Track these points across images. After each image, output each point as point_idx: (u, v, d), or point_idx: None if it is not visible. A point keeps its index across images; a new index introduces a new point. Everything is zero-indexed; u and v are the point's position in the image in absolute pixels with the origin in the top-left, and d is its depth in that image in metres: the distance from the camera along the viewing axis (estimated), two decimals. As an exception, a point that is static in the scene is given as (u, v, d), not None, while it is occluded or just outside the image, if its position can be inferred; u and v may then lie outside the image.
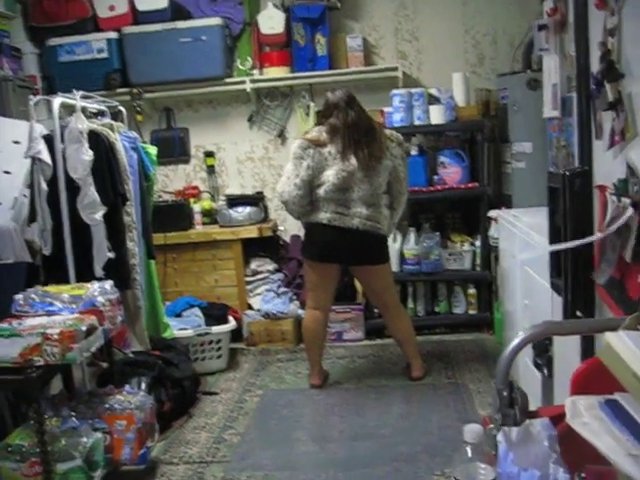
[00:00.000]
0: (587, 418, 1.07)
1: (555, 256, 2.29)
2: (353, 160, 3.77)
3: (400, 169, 3.91)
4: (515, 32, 5.03)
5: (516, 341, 1.26)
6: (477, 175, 4.80)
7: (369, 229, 3.82)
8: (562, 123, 2.23)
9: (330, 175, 3.79)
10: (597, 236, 1.69)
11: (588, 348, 2.00)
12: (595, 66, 1.88)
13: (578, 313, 1.97)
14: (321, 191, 3.82)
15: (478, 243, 4.85)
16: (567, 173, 1.99)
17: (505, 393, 1.20)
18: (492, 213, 4.53)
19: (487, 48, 5.19)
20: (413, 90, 4.75)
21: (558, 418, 1.14)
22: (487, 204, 4.73)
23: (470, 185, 4.77)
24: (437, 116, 4.71)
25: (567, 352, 2.37)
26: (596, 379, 1.18)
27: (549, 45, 2.22)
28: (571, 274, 2.00)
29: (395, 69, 5.01)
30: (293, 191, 3.81)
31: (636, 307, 1.68)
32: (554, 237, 2.29)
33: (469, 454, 1.11)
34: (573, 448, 1.08)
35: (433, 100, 4.76)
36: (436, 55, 5.20)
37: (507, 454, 1.04)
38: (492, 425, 1.20)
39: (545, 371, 2.55)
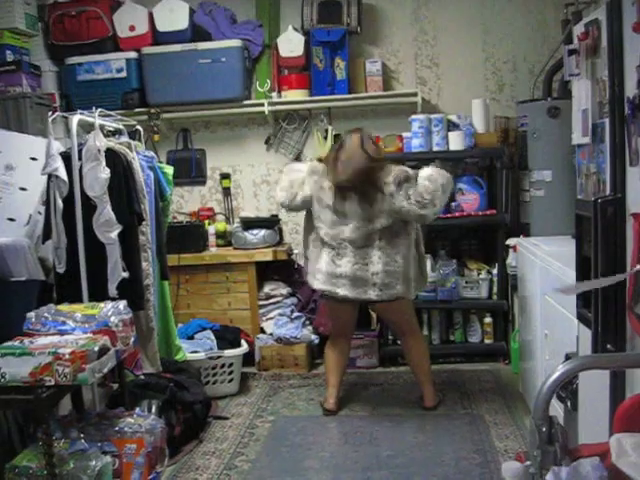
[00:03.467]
0: (635, 458, 1.00)
1: (583, 286, 2.23)
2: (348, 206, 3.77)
3: (403, 206, 3.67)
4: (535, 60, 5.01)
5: (557, 374, 1.19)
6: (495, 202, 4.75)
7: (385, 298, 3.81)
8: (592, 150, 2.17)
9: (327, 219, 3.81)
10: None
11: (619, 383, 1.93)
12: (630, 91, 1.83)
13: (609, 346, 1.90)
14: (322, 233, 3.84)
15: (495, 271, 4.77)
16: (599, 200, 1.93)
17: (544, 429, 1.13)
18: (511, 241, 4.47)
19: (507, 75, 5.16)
20: (432, 116, 4.72)
21: (601, 456, 1.07)
22: (505, 232, 4.68)
23: (488, 212, 4.71)
24: (456, 142, 4.66)
25: (593, 385, 2.29)
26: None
27: (580, 70, 2.17)
28: (602, 305, 1.93)
29: (414, 94, 4.98)
30: (288, 198, 3.93)
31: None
32: (582, 267, 2.23)
33: (507, 493, 1.04)
34: (618, 490, 1.01)
35: (452, 126, 4.73)
36: (456, 81, 5.17)
37: (556, 496, 0.98)
38: (529, 462, 1.14)
39: (569, 404, 2.47)
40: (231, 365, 4.42)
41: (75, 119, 3.48)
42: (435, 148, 4.68)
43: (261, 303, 5.02)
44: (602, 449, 1.09)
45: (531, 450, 1.14)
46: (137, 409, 3.21)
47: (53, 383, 2.60)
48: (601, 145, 2.07)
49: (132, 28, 5.01)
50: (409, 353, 4.11)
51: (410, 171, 3.74)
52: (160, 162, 4.48)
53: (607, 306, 1.93)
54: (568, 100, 4.21)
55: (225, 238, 5.19)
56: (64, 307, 3.10)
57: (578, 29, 2.22)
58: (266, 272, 5.12)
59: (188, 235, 5.01)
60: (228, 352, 4.42)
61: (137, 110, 5.06)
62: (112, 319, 2.98)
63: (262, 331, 4.98)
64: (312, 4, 5.00)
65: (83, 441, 2.84)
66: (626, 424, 1.11)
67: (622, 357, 1.58)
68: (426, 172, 3.77)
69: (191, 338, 4.55)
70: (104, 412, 3.23)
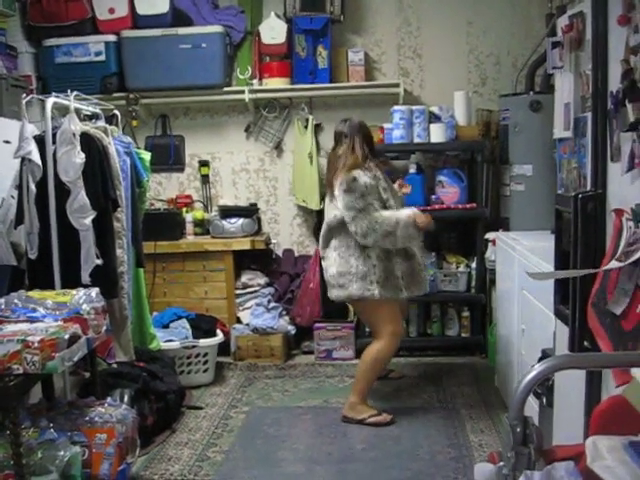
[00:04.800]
0: (610, 461, 0.97)
1: (561, 282, 2.20)
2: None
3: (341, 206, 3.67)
4: (519, 54, 4.99)
5: (533, 373, 1.16)
6: (475, 196, 4.73)
7: (342, 298, 3.83)
8: (574, 144, 2.14)
9: None
10: (613, 265, 1.60)
11: (595, 381, 1.91)
12: (614, 85, 1.81)
13: (586, 343, 1.88)
14: None
15: (474, 265, 4.76)
16: (579, 196, 1.91)
17: (519, 429, 1.10)
18: (490, 235, 4.46)
19: (490, 69, 5.14)
20: (414, 107, 4.68)
21: (576, 459, 1.05)
22: (484, 226, 4.66)
23: (468, 206, 4.69)
24: (437, 135, 4.63)
25: (569, 381, 2.28)
26: (619, 418, 1.08)
27: (563, 63, 2.14)
28: (579, 302, 1.91)
29: (397, 85, 4.94)
30: None
31: (627, 338, 1.61)
32: (560, 262, 2.20)
33: (479, 495, 1.01)
34: (593, 493, 0.98)
35: (434, 118, 4.69)
36: (438, 73, 5.13)
37: (529, 501, 0.95)
38: (503, 463, 1.11)
39: (544, 400, 2.46)
40: (206, 355, 4.38)
41: (50, 102, 3.40)
42: (416, 140, 4.65)
43: (238, 292, 4.98)
44: (577, 451, 1.07)
45: (505, 451, 1.11)
46: (109, 398, 3.15)
47: (21, 371, 2.53)
48: (582, 140, 2.04)
49: (112, 10, 4.91)
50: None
51: (357, 179, 3.59)
52: (138, 148, 4.41)
53: (585, 303, 1.91)
54: (550, 95, 4.20)
55: (203, 226, 5.14)
56: (35, 294, 3.03)
57: (562, 21, 2.19)
58: (243, 261, 5.07)
59: (165, 222, 4.95)
60: (203, 341, 4.38)
61: (116, 95, 4.98)
62: (84, 307, 2.92)
63: (238, 321, 4.94)
64: (295, -9, 4.95)
65: (52, 430, 2.79)
66: (602, 426, 1.08)
67: (599, 357, 1.55)
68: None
69: (166, 327, 4.49)
70: (75, 401, 3.18)
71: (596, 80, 1.89)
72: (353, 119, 3.86)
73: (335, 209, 3.71)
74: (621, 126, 1.73)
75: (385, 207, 3.67)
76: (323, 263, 3.88)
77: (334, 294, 3.79)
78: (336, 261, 3.72)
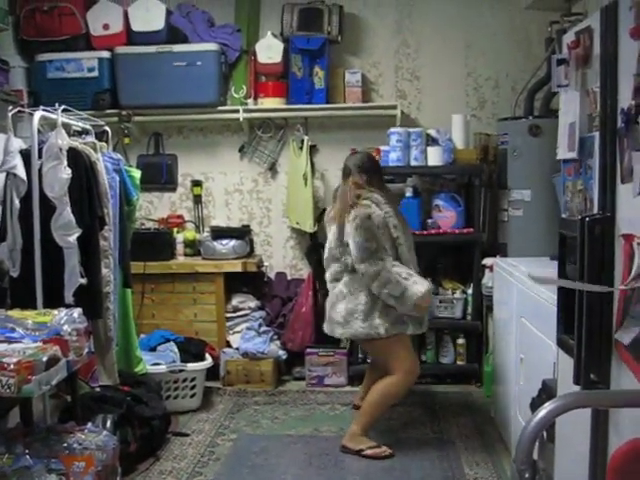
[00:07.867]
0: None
1: (565, 311, 2.09)
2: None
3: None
4: (518, 77, 4.92)
5: (542, 413, 1.05)
6: (472, 221, 4.63)
7: (347, 336, 3.82)
8: (579, 165, 2.05)
9: None
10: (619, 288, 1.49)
11: (600, 415, 1.79)
12: (625, 102, 1.71)
13: (592, 376, 1.77)
14: None
15: (470, 291, 4.65)
16: (586, 219, 1.81)
17: (527, 475, 0.98)
18: (487, 261, 4.36)
19: (489, 92, 5.07)
20: (411, 129, 4.61)
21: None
22: (481, 251, 4.56)
23: (465, 231, 4.59)
24: (435, 158, 4.55)
25: (571, 415, 2.16)
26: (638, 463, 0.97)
27: (568, 81, 2.05)
28: (586, 331, 1.80)
29: (394, 107, 4.86)
30: None
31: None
32: (565, 290, 2.09)
33: None
34: None
35: (431, 141, 4.61)
36: (436, 96, 5.06)
37: None
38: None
39: (545, 435, 2.33)
40: (194, 379, 4.25)
41: (37, 115, 3.31)
42: (413, 163, 4.56)
43: (228, 316, 4.85)
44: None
45: (512, 498, 1.00)
46: (89, 424, 3.01)
47: (-4, 395, 2.42)
48: (589, 160, 1.94)
49: (106, 26, 4.85)
50: (375, 381, 3.76)
51: (372, 213, 3.53)
52: (130, 166, 4.32)
53: (592, 333, 1.80)
54: (549, 119, 4.19)
55: (194, 247, 5.02)
56: (15, 313, 2.91)
57: (568, 37, 2.10)
58: (235, 284, 4.95)
59: (155, 242, 4.84)
60: (191, 366, 4.25)
61: (108, 111, 4.88)
62: (65, 327, 2.79)
63: (228, 345, 4.81)
64: (292, 11, 4.88)
65: (28, 457, 2.66)
66: (620, 473, 0.97)
67: (617, 395, 1.43)
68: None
69: (153, 350, 4.36)
70: (54, 426, 3.04)
71: (605, 97, 1.80)
72: (356, 154, 3.85)
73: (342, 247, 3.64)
74: (632, 145, 1.64)
75: (395, 246, 3.57)
76: (329, 297, 3.76)
77: (338, 332, 3.69)
78: (346, 297, 3.61)
